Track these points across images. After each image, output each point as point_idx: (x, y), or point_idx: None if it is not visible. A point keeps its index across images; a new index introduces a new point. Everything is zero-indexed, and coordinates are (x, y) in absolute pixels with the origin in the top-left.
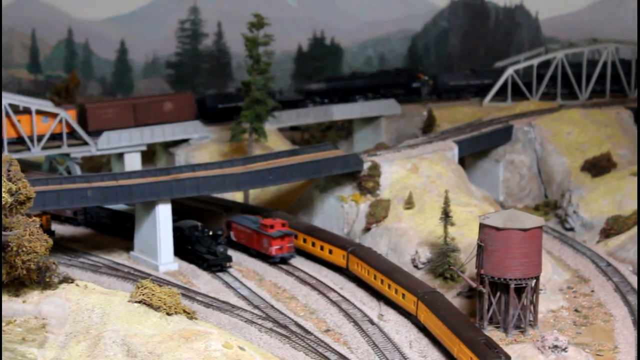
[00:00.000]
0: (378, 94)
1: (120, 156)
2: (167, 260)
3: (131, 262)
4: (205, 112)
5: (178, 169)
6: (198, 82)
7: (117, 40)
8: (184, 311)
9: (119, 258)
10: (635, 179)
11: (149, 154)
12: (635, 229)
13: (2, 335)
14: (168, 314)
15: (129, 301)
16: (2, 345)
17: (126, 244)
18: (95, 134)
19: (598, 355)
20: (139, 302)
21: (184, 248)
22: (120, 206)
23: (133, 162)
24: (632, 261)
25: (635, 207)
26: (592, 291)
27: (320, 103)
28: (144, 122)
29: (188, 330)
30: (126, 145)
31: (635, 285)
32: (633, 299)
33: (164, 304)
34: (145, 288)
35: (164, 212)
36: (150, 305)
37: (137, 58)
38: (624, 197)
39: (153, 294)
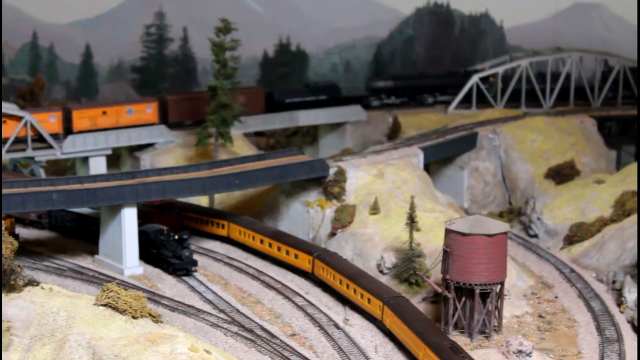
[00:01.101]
0: (445, 94)
1: (85, 160)
2: (132, 264)
3: (96, 265)
4: (273, 106)
5: (144, 173)
6: (163, 87)
7: (82, 44)
8: (150, 314)
9: (84, 262)
10: (599, 186)
11: (114, 158)
12: (598, 236)
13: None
14: (134, 318)
15: (94, 304)
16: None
17: (91, 247)
18: (175, 125)
19: None
20: (105, 305)
21: (149, 252)
22: (85, 210)
23: (98, 166)
24: (595, 267)
25: (599, 214)
26: (556, 297)
27: (385, 100)
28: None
29: (154, 334)
30: (91, 149)
31: (598, 291)
32: (596, 305)
33: (130, 308)
34: (111, 291)
35: (129, 216)
36: (115, 309)
37: (102, 62)
38: (588, 205)
39: (119, 298)
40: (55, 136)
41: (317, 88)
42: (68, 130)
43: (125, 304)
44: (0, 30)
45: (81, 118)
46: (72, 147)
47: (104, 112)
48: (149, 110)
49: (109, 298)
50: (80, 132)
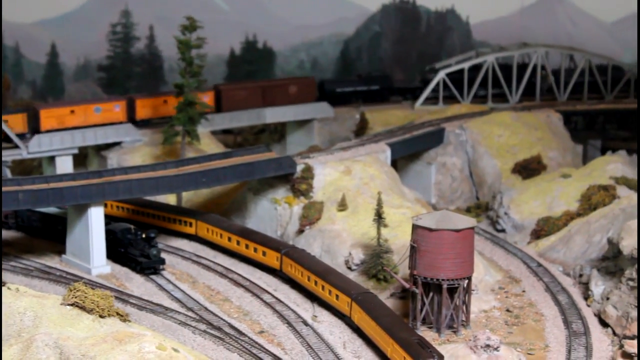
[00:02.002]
0: (500, 87)
1: (51, 159)
2: (99, 264)
3: (63, 265)
4: (324, 95)
5: (110, 172)
6: (130, 86)
7: (47, 43)
8: (117, 314)
9: (51, 261)
10: (565, 180)
11: (80, 158)
12: (565, 230)
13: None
14: (101, 317)
15: (61, 304)
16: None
17: (58, 247)
18: (228, 109)
19: (529, 354)
20: (72, 304)
21: (117, 251)
22: (52, 209)
23: (64, 165)
24: (562, 261)
25: (565, 208)
26: (523, 291)
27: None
28: (271, 104)
29: (121, 333)
30: (58, 148)
31: (565, 285)
32: (563, 299)
33: (97, 307)
34: (78, 291)
35: (96, 215)
36: (83, 308)
37: (68, 61)
38: (554, 199)
39: (86, 297)
40: (21, 136)
41: (369, 78)
42: (35, 129)
43: (92, 303)
44: (0, 30)
45: (49, 117)
46: (38, 146)
47: (72, 111)
48: (117, 109)
49: (76, 297)
50: (48, 131)
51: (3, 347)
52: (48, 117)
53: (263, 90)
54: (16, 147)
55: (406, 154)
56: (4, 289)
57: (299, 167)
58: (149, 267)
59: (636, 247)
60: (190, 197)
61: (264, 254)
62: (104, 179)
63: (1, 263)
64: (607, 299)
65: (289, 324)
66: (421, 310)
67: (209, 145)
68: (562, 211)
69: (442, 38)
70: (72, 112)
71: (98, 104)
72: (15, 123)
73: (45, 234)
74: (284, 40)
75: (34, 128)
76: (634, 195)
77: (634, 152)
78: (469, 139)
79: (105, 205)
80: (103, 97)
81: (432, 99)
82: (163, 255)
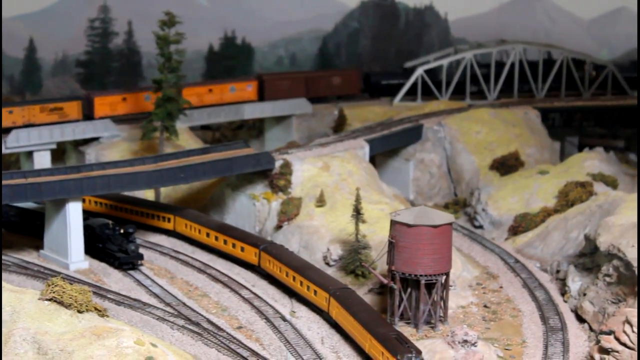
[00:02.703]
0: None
1: (29, 155)
2: (77, 259)
3: (41, 260)
4: (370, 87)
5: (89, 167)
6: (108, 81)
7: (25, 38)
8: (95, 309)
9: (29, 257)
10: (543, 177)
11: (58, 153)
12: (542, 226)
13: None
14: (79, 312)
15: (39, 299)
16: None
17: (36, 242)
18: (271, 99)
19: (507, 349)
20: (50, 299)
21: (95, 246)
22: (29, 204)
23: (43, 160)
24: (540, 258)
25: (543, 204)
26: (501, 287)
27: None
28: (315, 95)
29: (99, 328)
30: (36, 143)
31: (542, 281)
32: (540, 295)
33: (75, 302)
34: (55, 286)
35: (74, 210)
36: (61, 303)
37: (47, 56)
38: (532, 195)
39: (64, 292)
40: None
41: (413, 70)
42: (89, 116)
43: (70, 298)
44: (0, 31)
45: (102, 104)
46: (16, 141)
47: (124, 99)
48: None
49: (54, 292)
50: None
51: None
52: (102, 104)
53: (306, 80)
54: None
55: (384, 150)
56: None
57: (278, 163)
58: (127, 262)
59: (613, 243)
60: (168, 192)
61: (242, 249)
62: (82, 174)
63: (1, 263)
64: (584, 295)
65: (267, 319)
66: (399, 305)
67: (187, 140)
68: (539, 207)
69: (421, 34)
70: (124, 99)
71: (148, 92)
72: (70, 110)
73: (23, 229)
74: (263, 36)
75: (88, 115)
76: (611, 192)
77: (610, 149)
78: (447, 136)
79: (84, 201)
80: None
81: (411, 95)
82: (141, 250)
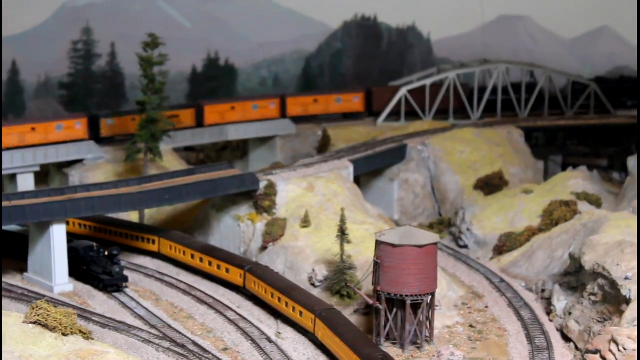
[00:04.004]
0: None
1: (12, 177)
2: (62, 281)
3: (25, 283)
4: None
5: (73, 189)
6: (91, 103)
7: (8, 60)
8: (80, 331)
9: (13, 280)
10: (527, 196)
11: (42, 175)
12: (527, 245)
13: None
14: (64, 335)
15: (23, 322)
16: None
17: (20, 265)
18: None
19: None
20: (34, 322)
21: (79, 269)
22: (13, 227)
23: (26, 183)
24: (525, 277)
25: (527, 223)
26: (486, 307)
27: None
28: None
29: (84, 351)
30: (19, 166)
31: (528, 300)
32: (526, 314)
33: (60, 325)
34: (40, 309)
35: (58, 233)
36: (45, 326)
37: (29, 79)
38: (516, 215)
39: (48, 315)
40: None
41: (503, 89)
42: (200, 124)
43: (55, 321)
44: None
45: (212, 112)
46: None
47: (233, 108)
48: (78, 127)
49: (38, 315)
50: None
51: None
52: (212, 112)
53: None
54: None
55: (369, 171)
56: None
57: (262, 184)
58: (112, 284)
59: (597, 262)
60: (153, 214)
61: (227, 270)
62: (66, 196)
63: (1, 270)
64: (570, 314)
65: (253, 340)
66: (385, 326)
67: (171, 162)
68: (524, 227)
69: (404, 55)
70: (233, 108)
71: (255, 102)
72: (185, 118)
73: (7, 252)
74: (246, 57)
75: (199, 122)
76: (595, 211)
77: (594, 168)
78: (431, 156)
79: (68, 223)
80: (264, 94)
81: (394, 116)
82: (126, 272)
